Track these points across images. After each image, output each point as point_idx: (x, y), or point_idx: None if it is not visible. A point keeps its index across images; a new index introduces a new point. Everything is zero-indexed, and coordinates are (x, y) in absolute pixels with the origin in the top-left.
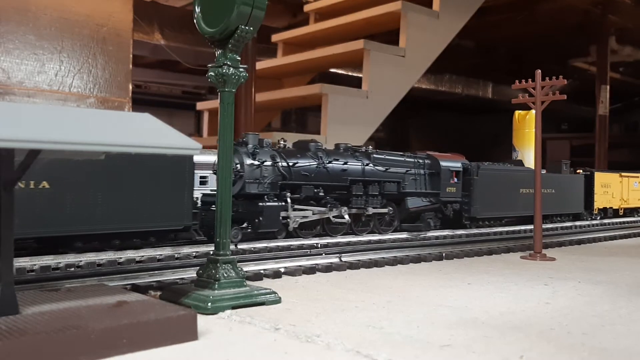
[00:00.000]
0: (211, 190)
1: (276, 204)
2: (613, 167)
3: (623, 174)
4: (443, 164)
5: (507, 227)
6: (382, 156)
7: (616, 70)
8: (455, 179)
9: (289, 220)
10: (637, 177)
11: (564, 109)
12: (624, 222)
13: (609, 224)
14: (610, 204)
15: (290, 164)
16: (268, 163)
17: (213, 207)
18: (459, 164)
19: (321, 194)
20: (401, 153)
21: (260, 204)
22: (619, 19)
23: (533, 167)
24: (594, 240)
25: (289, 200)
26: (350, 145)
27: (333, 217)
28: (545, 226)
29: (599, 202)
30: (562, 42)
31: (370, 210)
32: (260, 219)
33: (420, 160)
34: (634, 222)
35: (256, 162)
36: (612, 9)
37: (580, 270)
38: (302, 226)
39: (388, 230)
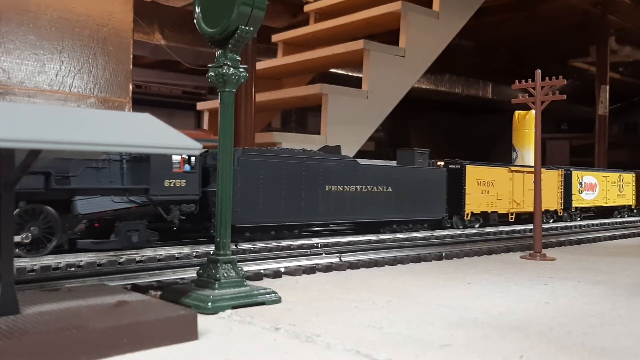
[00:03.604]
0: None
1: None
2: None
3: (513, 168)
4: None
5: (507, 227)
6: None
7: (616, 70)
8: (188, 167)
9: None
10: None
11: (564, 109)
12: (623, 222)
13: (609, 224)
14: (493, 207)
15: None
16: None
17: None
18: (194, 145)
19: None
20: None
21: None
22: (618, 19)
23: (351, 156)
24: (594, 240)
25: None
26: None
27: None
28: (544, 226)
29: (474, 205)
30: (562, 42)
31: None
32: None
33: None
34: (634, 222)
35: None
36: (612, 9)
37: (580, 270)
38: None
39: (39, 253)
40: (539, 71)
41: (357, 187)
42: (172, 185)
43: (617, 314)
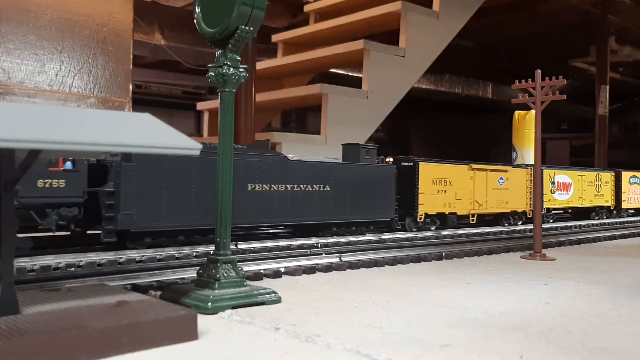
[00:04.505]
0: None
1: None
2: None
3: (475, 166)
4: None
5: (507, 227)
6: None
7: (616, 70)
8: (70, 165)
9: None
10: (504, 170)
11: (564, 109)
12: (623, 222)
13: (609, 224)
14: (451, 208)
15: None
16: None
17: None
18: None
19: None
20: None
21: None
22: (618, 19)
23: (290, 155)
24: (594, 240)
25: None
26: None
27: None
28: (544, 226)
29: (429, 206)
30: (562, 42)
31: None
32: None
33: None
34: (634, 222)
35: None
36: (612, 9)
37: (580, 270)
38: None
39: None
40: (539, 71)
41: (288, 186)
42: (47, 185)
43: (617, 314)
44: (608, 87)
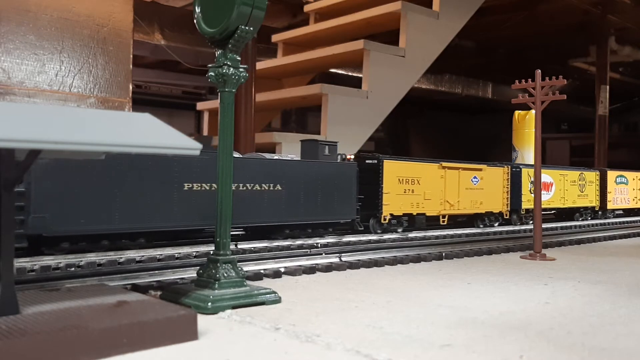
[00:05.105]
0: None
1: None
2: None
3: (446, 164)
4: None
5: (506, 227)
6: None
7: (616, 70)
8: None
9: None
10: (478, 169)
11: (564, 109)
12: (623, 222)
13: (608, 224)
14: (419, 208)
15: None
16: None
17: None
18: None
19: None
20: None
21: None
22: (618, 19)
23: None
24: (594, 240)
25: None
26: None
27: None
28: (544, 226)
29: (394, 206)
30: (562, 42)
31: None
32: None
33: None
34: (634, 222)
35: None
36: (612, 9)
37: (580, 270)
38: None
39: None
40: (539, 71)
41: (233, 185)
42: None
43: (617, 314)
44: (608, 87)
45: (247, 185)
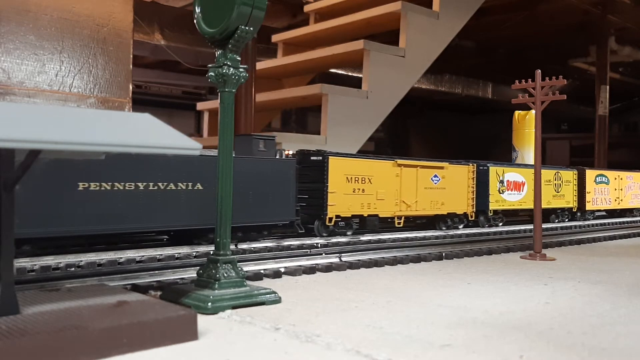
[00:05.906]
0: None
1: None
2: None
3: (401, 162)
4: None
5: (507, 227)
6: None
7: (616, 70)
8: None
9: None
10: (440, 167)
11: (564, 109)
12: (623, 222)
13: (609, 224)
14: (371, 209)
15: None
16: None
17: None
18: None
19: None
20: None
21: None
22: (618, 19)
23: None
24: (594, 240)
25: None
26: None
27: None
28: (544, 226)
29: (342, 207)
30: (562, 42)
31: None
32: None
33: None
34: (634, 222)
35: None
36: (612, 9)
37: (580, 270)
38: None
39: None
40: (539, 71)
41: (140, 184)
42: None
43: (617, 314)
44: (608, 87)
45: (159, 184)
